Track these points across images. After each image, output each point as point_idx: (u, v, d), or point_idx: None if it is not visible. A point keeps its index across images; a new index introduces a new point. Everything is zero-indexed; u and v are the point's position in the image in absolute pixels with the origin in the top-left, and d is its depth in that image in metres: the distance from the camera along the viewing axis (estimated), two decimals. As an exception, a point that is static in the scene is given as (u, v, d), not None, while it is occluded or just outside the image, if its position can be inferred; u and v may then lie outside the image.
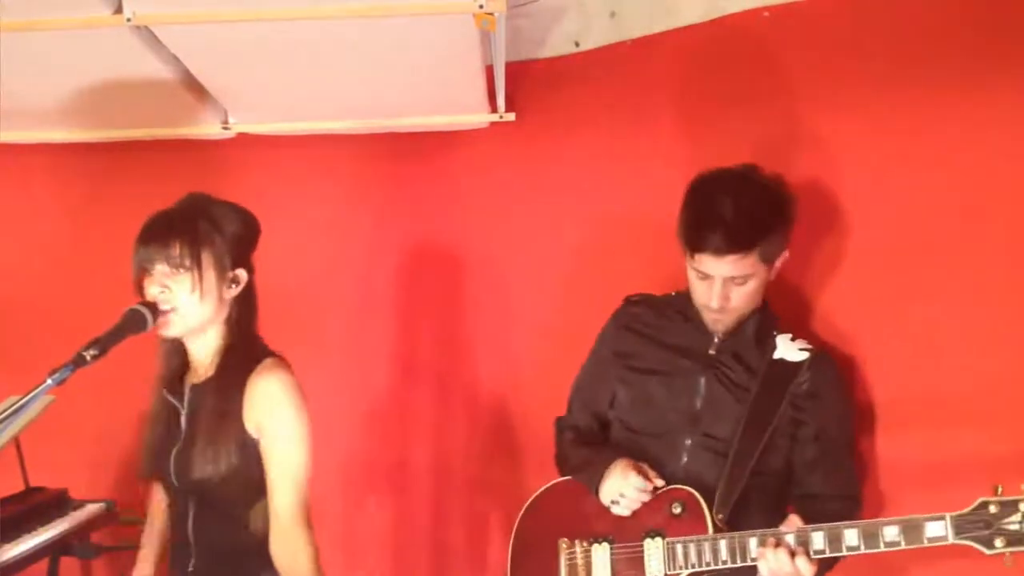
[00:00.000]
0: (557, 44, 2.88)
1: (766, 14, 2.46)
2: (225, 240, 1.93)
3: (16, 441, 2.62)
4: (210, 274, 1.90)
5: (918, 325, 2.15)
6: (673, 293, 2.16)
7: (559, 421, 2.30)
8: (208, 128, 2.97)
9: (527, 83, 2.89)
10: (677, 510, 1.94)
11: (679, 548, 1.90)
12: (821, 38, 2.36)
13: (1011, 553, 1.64)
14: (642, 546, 1.94)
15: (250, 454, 1.92)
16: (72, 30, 2.24)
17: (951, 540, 1.67)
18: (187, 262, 1.87)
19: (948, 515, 1.68)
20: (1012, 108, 2.04)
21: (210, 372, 1.97)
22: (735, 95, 2.52)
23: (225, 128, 2.96)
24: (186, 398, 1.97)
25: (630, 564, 1.96)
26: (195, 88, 2.70)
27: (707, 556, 1.87)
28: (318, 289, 3.04)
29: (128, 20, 2.21)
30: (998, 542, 1.64)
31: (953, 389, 2.08)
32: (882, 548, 1.72)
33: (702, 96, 2.59)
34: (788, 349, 2.03)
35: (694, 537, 1.90)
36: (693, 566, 1.88)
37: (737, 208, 1.92)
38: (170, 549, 2.06)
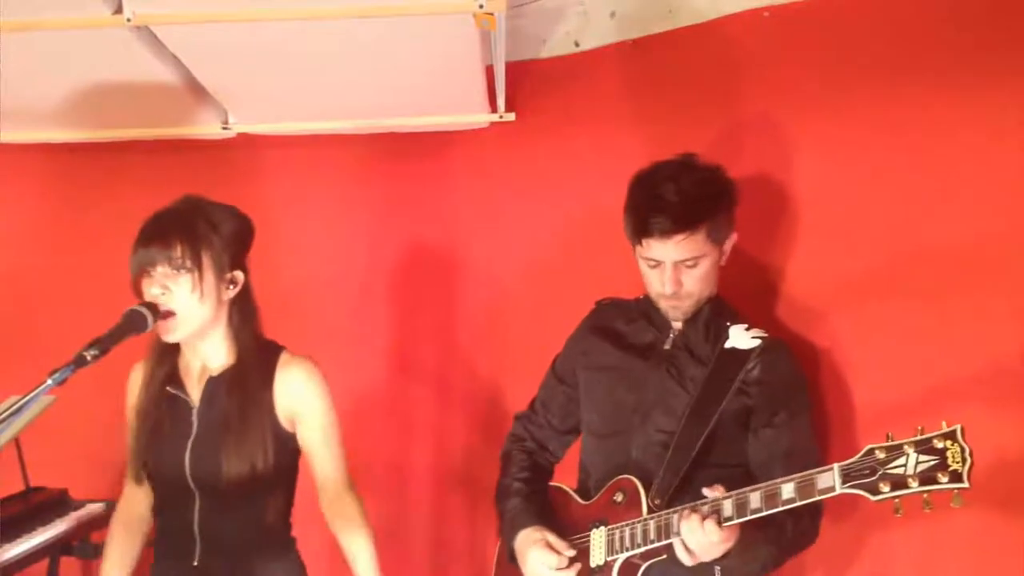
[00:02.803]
0: (557, 44, 2.88)
1: (766, 14, 2.46)
2: (223, 241, 1.93)
3: (16, 441, 2.63)
4: (210, 275, 1.90)
5: (898, 322, 2.16)
6: (641, 296, 2.16)
7: (518, 421, 2.32)
8: (208, 128, 2.97)
9: (527, 83, 2.89)
10: (619, 498, 1.97)
11: (616, 534, 1.94)
12: (821, 38, 2.36)
13: (900, 500, 1.56)
14: (589, 536, 1.98)
15: (281, 445, 1.95)
16: (72, 30, 2.25)
17: (839, 490, 1.61)
18: (188, 263, 1.87)
19: (836, 465, 1.63)
20: (1006, 107, 2.04)
21: (223, 368, 1.97)
22: (735, 95, 2.52)
23: (225, 128, 2.96)
24: (199, 392, 1.97)
25: (580, 555, 1.99)
26: (195, 88, 2.70)
27: (639, 538, 1.89)
28: (318, 289, 3.04)
29: (128, 20, 2.21)
30: (883, 487, 1.56)
31: (926, 385, 2.08)
32: (780, 507, 1.69)
33: (702, 96, 2.58)
34: (741, 338, 2.02)
35: (629, 521, 1.92)
36: (627, 549, 1.90)
37: (679, 190, 1.95)
38: (161, 544, 2.05)
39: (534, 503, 2.13)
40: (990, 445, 1.95)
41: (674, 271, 1.98)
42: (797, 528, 1.89)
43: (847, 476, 1.61)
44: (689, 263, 1.98)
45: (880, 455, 1.59)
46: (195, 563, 1.96)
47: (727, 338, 2.03)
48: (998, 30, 2.08)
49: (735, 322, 2.05)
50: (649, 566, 1.89)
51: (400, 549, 2.99)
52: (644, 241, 1.98)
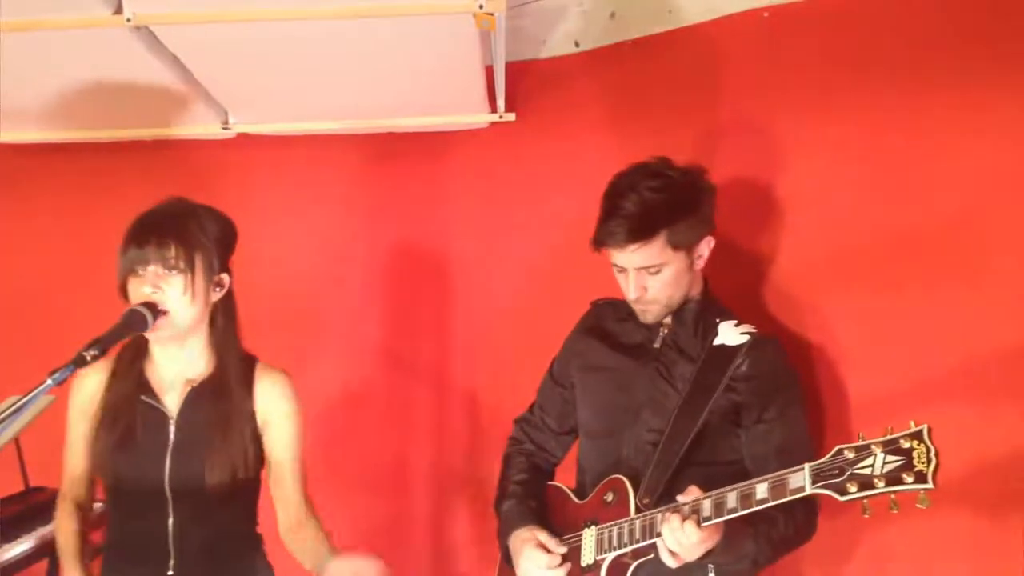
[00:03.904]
0: (557, 44, 2.88)
1: (766, 14, 2.47)
2: (212, 243, 1.93)
3: (16, 441, 2.62)
4: (201, 276, 1.90)
5: (892, 317, 2.17)
6: None
7: (517, 425, 2.34)
8: (208, 128, 2.97)
9: (527, 83, 2.89)
10: (609, 498, 1.99)
11: (606, 533, 1.95)
12: (821, 38, 2.36)
13: (868, 501, 1.56)
14: (582, 535, 2.00)
15: (259, 454, 1.96)
16: (72, 30, 2.24)
17: (808, 490, 1.62)
18: (182, 264, 1.87)
19: (807, 465, 1.64)
20: (1000, 107, 2.05)
21: (203, 377, 1.97)
22: (734, 95, 2.52)
23: (225, 128, 2.96)
24: (177, 402, 1.95)
25: (573, 554, 2.01)
26: (195, 88, 2.70)
27: (626, 537, 1.91)
28: (317, 288, 3.04)
29: (128, 20, 2.21)
30: (851, 487, 1.57)
31: (921, 379, 2.10)
32: (755, 507, 1.69)
33: (701, 96, 2.59)
34: (730, 335, 2.02)
35: (617, 521, 1.94)
36: (615, 548, 1.92)
37: (638, 199, 1.96)
38: (122, 553, 2.00)
39: (529, 504, 2.15)
40: (986, 441, 1.97)
41: (637, 277, 2.01)
42: (791, 524, 1.90)
43: (817, 476, 1.62)
44: (652, 270, 1.99)
45: (849, 455, 1.60)
46: (170, 572, 1.92)
47: (716, 335, 2.03)
48: (998, 30, 2.08)
49: (725, 319, 2.06)
50: (639, 565, 1.90)
51: (400, 549, 2.99)
52: (603, 250, 2.02)
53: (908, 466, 1.53)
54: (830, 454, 1.62)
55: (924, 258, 2.14)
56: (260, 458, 1.99)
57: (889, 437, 1.57)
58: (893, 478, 1.54)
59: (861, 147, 2.27)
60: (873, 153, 2.24)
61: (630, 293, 2.03)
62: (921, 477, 1.51)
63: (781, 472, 1.68)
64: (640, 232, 1.95)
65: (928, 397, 2.07)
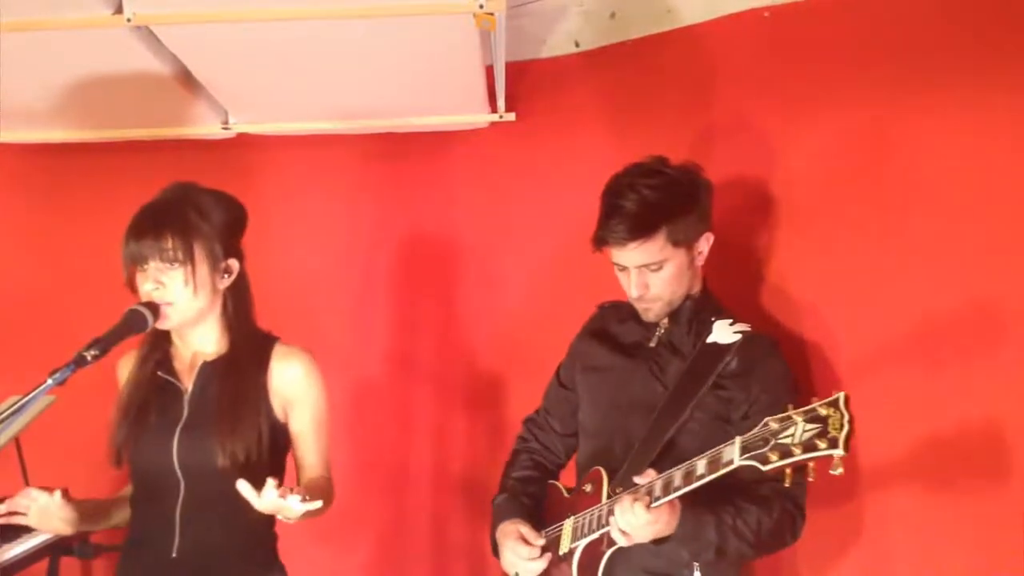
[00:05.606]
0: (557, 44, 2.89)
1: (766, 14, 2.47)
2: (215, 230, 1.91)
3: (16, 441, 2.63)
4: (203, 267, 1.89)
5: (890, 315, 2.17)
6: None
7: (525, 425, 2.36)
8: (208, 128, 2.97)
9: (527, 83, 2.89)
10: (588, 489, 2.03)
11: (580, 522, 1.99)
12: (821, 38, 2.36)
13: (791, 471, 1.59)
14: (562, 526, 2.04)
15: (275, 435, 1.94)
16: (72, 30, 2.25)
17: (737, 462, 1.65)
18: (180, 256, 1.85)
19: (738, 438, 1.68)
20: (998, 107, 2.05)
21: (220, 353, 1.96)
22: (734, 94, 2.52)
23: (225, 128, 2.96)
24: (192, 379, 1.95)
25: (553, 544, 2.04)
26: (195, 88, 2.70)
27: (594, 524, 1.94)
28: (318, 290, 3.04)
29: (128, 20, 2.21)
30: (773, 456, 1.60)
31: (919, 376, 2.10)
32: (695, 483, 1.72)
33: (701, 95, 2.59)
34: (723, 333, 2.03)
35: (589, 509, 1.97)
36: (586, 535, 1.95)
37: (637, 198, 1.98)
38: (135, 535, 1.99)
39: (521, 499, 2.18)
40: (983, 440, 1.96)
41: (639, 275, 2.02)
42: (765, 516, 1.89)
43: (745, 448, 1.65)
44: (653, 267, 2.00)
45: (774, 426, 1.63)
46: (173, 555, 1.90)
47: (710, 333, 2.04)
48: (998, 30, 2.09)
49: (720, 317, 2.06)
50: (613, 554, 1.91)
51: (400, 549, 2.99)
52: (604, 248, 2.03)
53: (823, 433, 1.56)
54: (758, 426, 1.66)
55: (922, 257, 2.14)
56: (277, 443, 1.95)
57: (809, 407, 1.60)
58: (809, 445, 1.56)
59: (861, 147, 2.26)
60: (872, 153, 2.24)
61: (632, 291, 2.04)
62: (833, 442, 1.53)
63: (717, 447, 1.72)
64: (641, 229, 1.96)
65: (926, 397, 2.07)
